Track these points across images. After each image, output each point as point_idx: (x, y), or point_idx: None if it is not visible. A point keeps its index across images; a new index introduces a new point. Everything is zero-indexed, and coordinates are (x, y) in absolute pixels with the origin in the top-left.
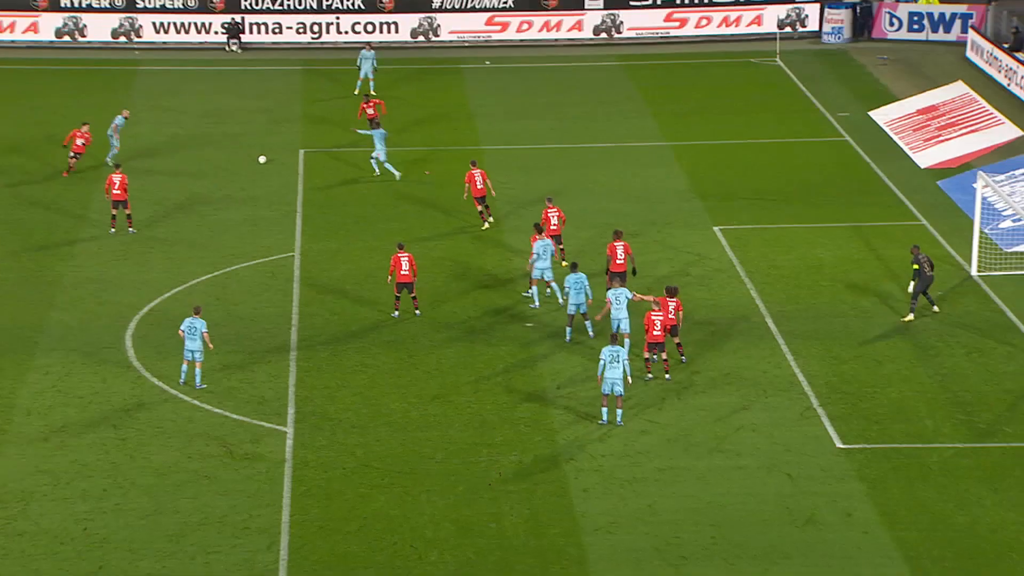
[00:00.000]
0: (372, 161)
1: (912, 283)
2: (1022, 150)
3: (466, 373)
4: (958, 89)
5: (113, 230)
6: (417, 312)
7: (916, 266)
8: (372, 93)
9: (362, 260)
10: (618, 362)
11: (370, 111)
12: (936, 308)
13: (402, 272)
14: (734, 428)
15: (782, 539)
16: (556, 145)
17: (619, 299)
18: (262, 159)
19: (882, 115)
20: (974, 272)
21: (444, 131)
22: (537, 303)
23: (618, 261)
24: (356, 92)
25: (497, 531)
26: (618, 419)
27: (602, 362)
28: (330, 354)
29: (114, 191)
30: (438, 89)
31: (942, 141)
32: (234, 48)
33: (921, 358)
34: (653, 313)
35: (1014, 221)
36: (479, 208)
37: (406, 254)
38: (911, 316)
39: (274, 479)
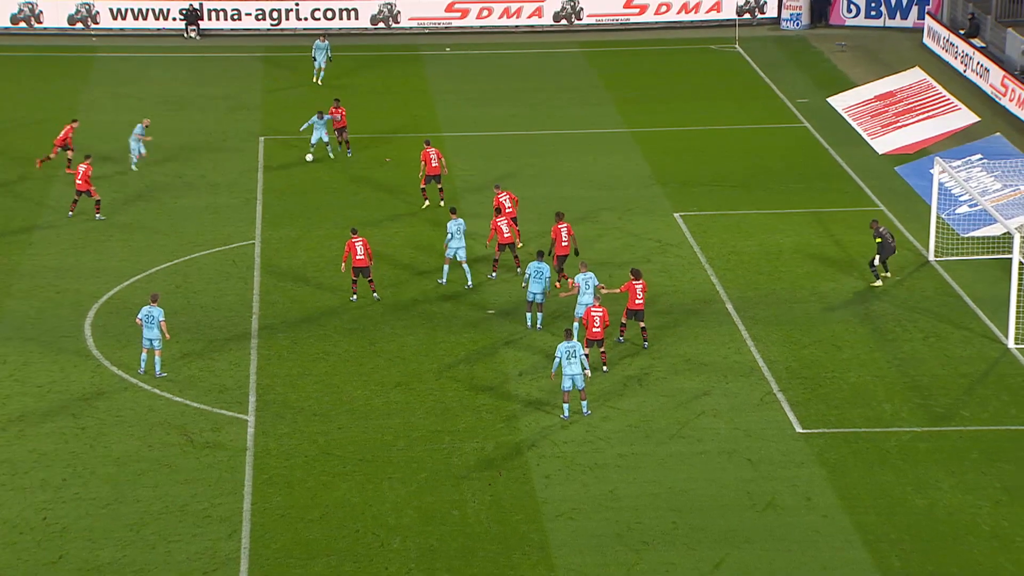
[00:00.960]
0: (327, 148)
1: (876, 256)
2: (978, 136)
3: (428, 360)
4: (915, 75)
5: (71, 214)
6: (376, 296)
7: (879, 239)
8: (319, 83)
9: (323, 247)
10: (575, 357)
11: (338, 117)
12: (887, 274)
13: (357, 257)
14: (695, 414)
15: (743, 523)
16: (516, 132)
17: (587, 283)
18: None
19: (840, 101)
20: (931, 257)
21: (404, 118)
22: (444, 280)
23: (563, 244)
24: (315, 81)
25: (460, 518)
26: (584, 410)
27: (557, 359)
28: (291, 342)
29: (76, 180)
30: (398, 76)
31: (899, 127)
32: (193, 35)
33: (879, 343)
34: (593, 309)
35: (970, 206)
36: (423, 186)
37: (360, 239)
38: (879, 282)
39: (235, 467)
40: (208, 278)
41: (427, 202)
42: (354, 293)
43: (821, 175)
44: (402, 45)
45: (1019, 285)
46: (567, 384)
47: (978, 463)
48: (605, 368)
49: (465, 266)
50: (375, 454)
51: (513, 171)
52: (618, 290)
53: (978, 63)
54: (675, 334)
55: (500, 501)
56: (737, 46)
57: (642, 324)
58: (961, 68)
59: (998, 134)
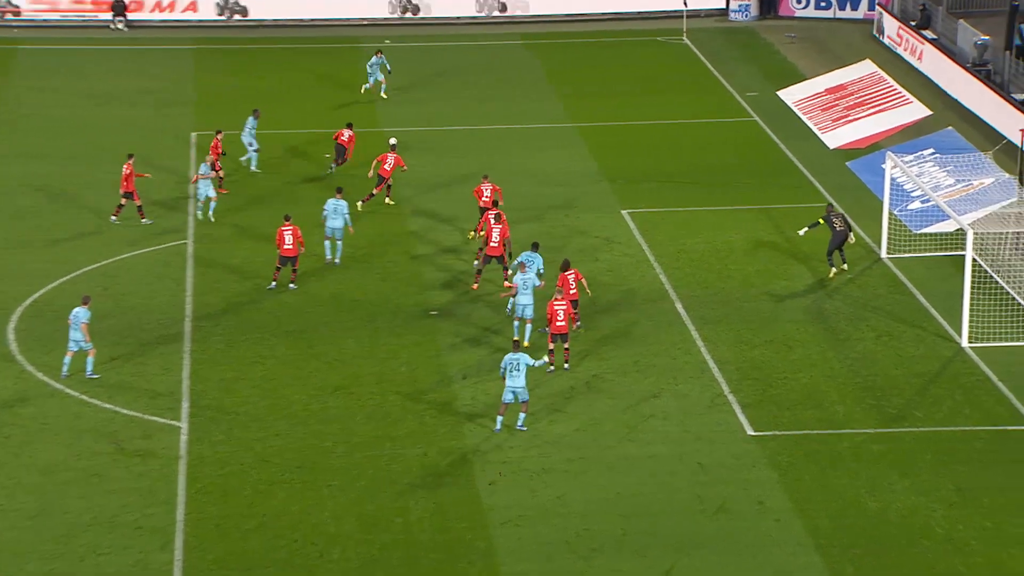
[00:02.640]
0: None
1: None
2: (930, 130)
3: (368, 363)
4: (866, 68)
5: (115, 218)
6: (292, 286)
7: (819, 220)
8: (383, 96)
9: (259, 246)
10: (519, 370)
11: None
12: (844, 266)
13: (285, 246)
14: (644, 416)
15: (693, 529)
16: (458, 127)
17: (526, 284)
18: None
19: (790, 94)
20: (883, 254)
21: (342, 112)
22: (329, 256)
23: (492, 244)
24: (381, 95)
25: (402, 526)
26: (519, 423)
27: (502, 369)
28: (226, 344)
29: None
30: (336, 68)
31: (851, 121)
32: (120, 26)
33: (831, 342)
34: (556, 302)
35: (923, 202)
36: (377, 190)
37: (291, 227)
38: (833, 271)
39: (168, 476)
40: (139, 279)
41: (360, 204)
42: (274, 280)
43: (771, 170)
44: (340, 37)
45: (972, 282)
46: (508, 397)
47: (931, 465)
48: (567, 366)
49: (339, 244)
50: (314, 461)
51: (456, 168)
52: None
53: (930, 55)
54: (623, 334)
55: (444, 508)
56: (685, 38)
57: (575, 312)
58: (913, 60)
59: (950, 128)
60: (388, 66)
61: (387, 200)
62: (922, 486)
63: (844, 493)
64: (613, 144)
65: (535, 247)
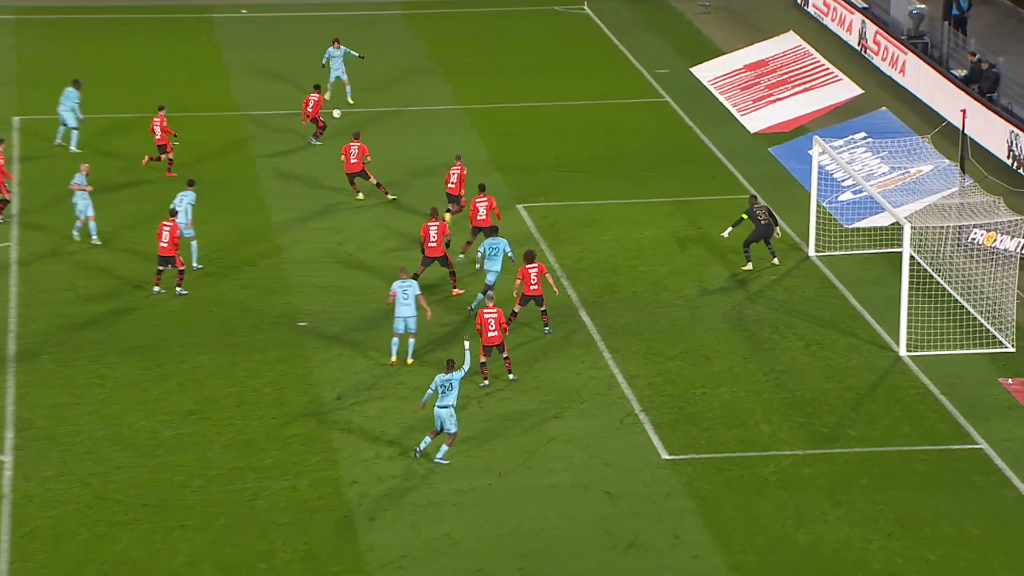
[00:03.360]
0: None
1: (765, 242)
2: (862, 111)
3: (227, 384)
4: (790, 41)
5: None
6: (180, 290)
7: (749, 217)
8: (350, 101)
9: (94, 249)
10: (451, 391)
11: (309, 109)
12: (776, 260)
13: (162, 244)
14: (544, 440)
15: (601, 567)
16: (327, 109)
17: (406, 292)
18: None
19: (706, 72)
20: (811, 252)
21: (193, 92)
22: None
23: (431, 244)
24: (326, 97)
25: (268, 571)
26: (439, 456)
27: (431, 391)
28: (58, 365)
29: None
30: (184, 42)
31: (773, 101)
32: None
33: (755, 353)
34: (486, 311)
35: (855, 193)
36: (354, 184)
37: (171, 223)
38: (748, 265)
39: None
40: None
41: (360, 194)
42: (156, 284)
43: (685, 158)
44: (189, 7)
45: (911, 283)
46: (438, 423)
47: (868, 490)
48: (512, 376)
49: (191, 234)
50: (163, 498)
51: (321, 156)
52: (517, 282)
53: (860, 26)
54: (520, 347)
55: (315, 550)
56: (586, 7)
57: (542, 308)
58: (842, 33)
59: (884, 108)
60: (358, 53)
61: (359, 196)
62: (857, 515)
63: (770, 524)
64: (506, 129)
65: (495, 232)
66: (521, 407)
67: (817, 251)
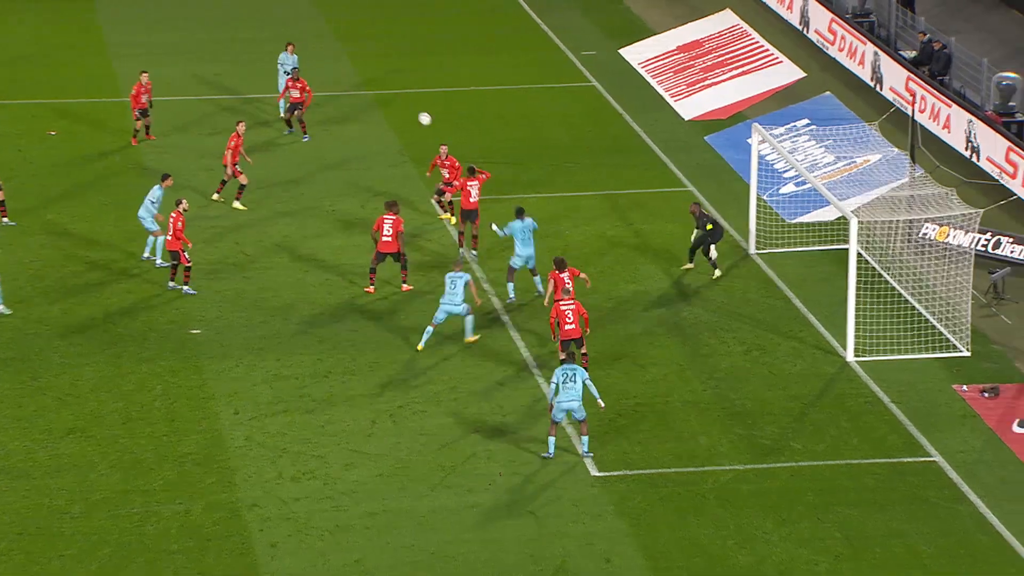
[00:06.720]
0: None
1: (712, 247)
2: (804, 96)
3: (111, 397)
4: (726, 19)
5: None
6: (188, 289)
7: (710, 226)
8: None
9: None
10: (575, 381)
11: (295, 93)
12: (717, 272)
13: (167, 237)
14: (463, 457)
15: None
16: (220, 96)
17: (454, 283)
18: (424, 118)
19: (635, 53)
20: (752, 249)
21: (72, 77)
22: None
23: (385, 239)
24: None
25: None
26: (585, 448)
27: (554, 383)
28: None
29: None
30: (62, 20)
31: (709, 85)
32: None
33: (691, 359)
34: (562, 303)
35: (797, 185)
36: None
37: (175, 212)
38: (717, 272)
39: None
40: None
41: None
42: (171, 279)
43: (614, 147)
44: None
45: (858, 283)
46: (558, 415)
47: (814, 507)
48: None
49: (151, 227)
50: (40, 525)
51: (218, 147)
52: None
53: (801, 3)
54: (435, 355)
55: None
56: None
57: (583, 350)
58: (783, 11)
59: (828, 93)
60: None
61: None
62: (802, 534)
63: (709, 545)
64: (416, 117)
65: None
66: (437, 420)
67: (758, 248)
